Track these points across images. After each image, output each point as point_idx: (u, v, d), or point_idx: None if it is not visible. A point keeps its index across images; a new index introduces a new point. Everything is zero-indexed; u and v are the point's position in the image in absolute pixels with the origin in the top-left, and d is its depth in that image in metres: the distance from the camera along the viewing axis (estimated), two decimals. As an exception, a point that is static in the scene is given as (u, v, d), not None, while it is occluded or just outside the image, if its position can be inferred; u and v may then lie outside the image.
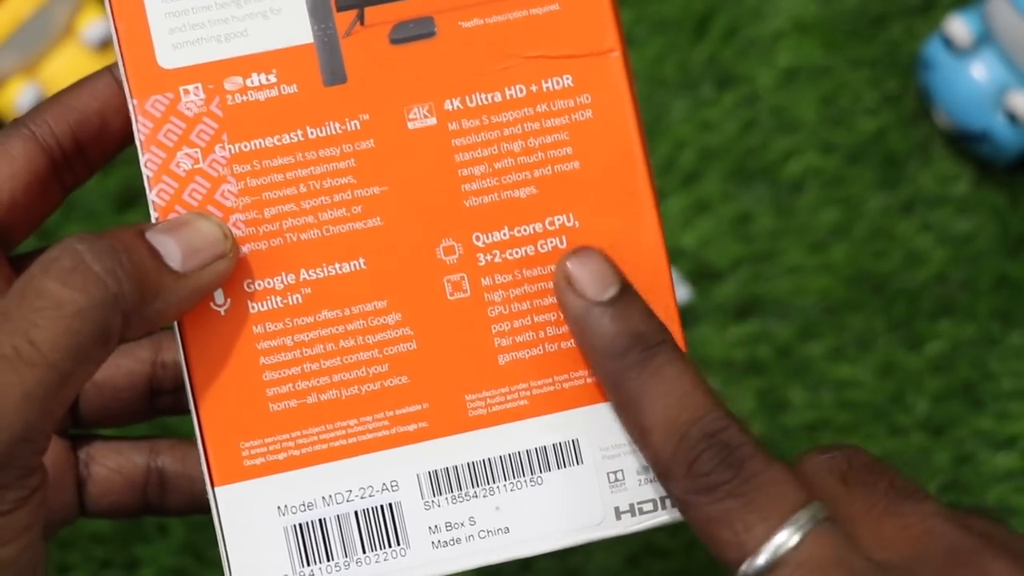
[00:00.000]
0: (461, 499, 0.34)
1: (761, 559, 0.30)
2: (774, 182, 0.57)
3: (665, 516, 0.34)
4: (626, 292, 0.33)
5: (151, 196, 0.34)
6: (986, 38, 0.55)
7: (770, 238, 0.56)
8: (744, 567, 0.30)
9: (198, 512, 0.37)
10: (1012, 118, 0.54)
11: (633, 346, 0.32)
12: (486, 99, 0.34)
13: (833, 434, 0.54)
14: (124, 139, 0.35)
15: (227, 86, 0.34)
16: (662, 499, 0.34)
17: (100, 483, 0.37)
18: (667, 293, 0.35)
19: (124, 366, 0.37)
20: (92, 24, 0.56)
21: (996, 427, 0.54)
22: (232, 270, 0.33)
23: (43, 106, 0.34)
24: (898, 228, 0.56)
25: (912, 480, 0.33)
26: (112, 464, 0.37)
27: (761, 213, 0.56)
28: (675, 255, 0.56)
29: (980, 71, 0.55)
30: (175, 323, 0.33)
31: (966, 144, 0.56)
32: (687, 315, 0.55)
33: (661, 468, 0.32)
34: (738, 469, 0.31)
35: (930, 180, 0.57)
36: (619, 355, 0.32)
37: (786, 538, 0.30)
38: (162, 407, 0.38)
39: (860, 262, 0.56)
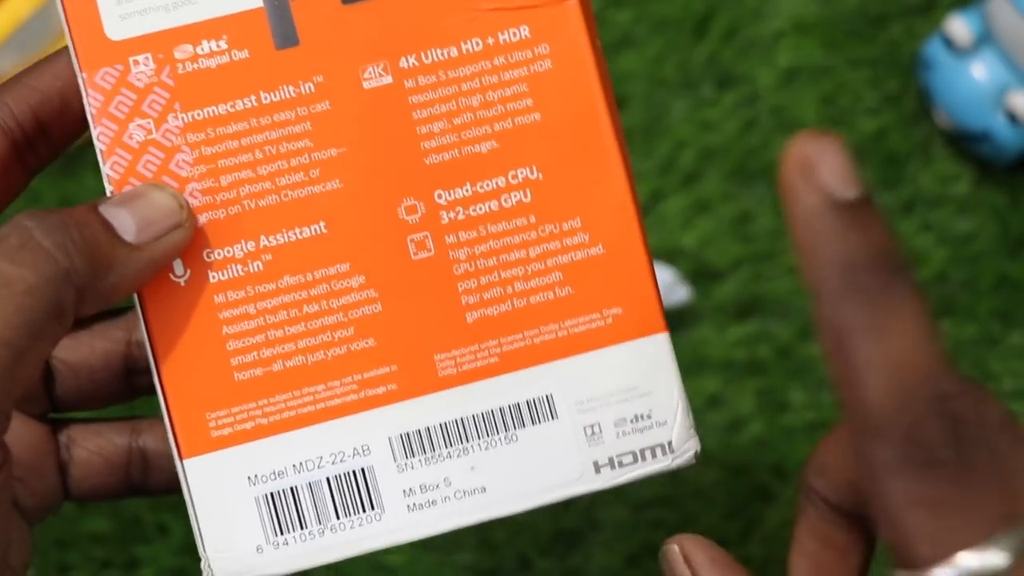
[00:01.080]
0: (435, 460, 0.34)
1: (962, 571, 0.25)
2: (774, 182, 0.57)
3: (646, 468, 0.34)
4: (871, 200, 0.26)
5: (105, 170, 0.33)
6: (986, 38, 0.55)
7: (770, 238, 0.56)
8: (937, 571, 0.25)
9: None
10: (1012, 118, 0.54)
11: (877, 265, 0.26)
12: (442, 55, 0.34)
13: (833, 434, 0.54)
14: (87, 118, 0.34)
15: (177, 55, 0.33)
16: (642, 451, 0.34)
17: (82, 466, 0.36)
18: (639, 251, 0.34)
19: (98, 347, 0.36)
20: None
21: (996, 427, 0.54)
22: (189, 240, 0.33)
23: (3, 87, 0.34)
24: (898, 228, 0.56)
25: None
26: (93, 446, 0.36)
27: (761, 213, 0.56)
28: (675, 255, 0.56)
29: (980, 71, 0.55)
30: (135, 297, 0.33)
31: (966, 144, 0.56)
32: (687, 315, 0.55)
33: (872, 420, 0.26)
34: (966, 453, 0.26)
35: (930, 180, 0.57)
36: (856, 271, 0.26)
37: (995, 554, 0.25)
38: (140, 386, 0.37)
39: (860, 262, 0.56)
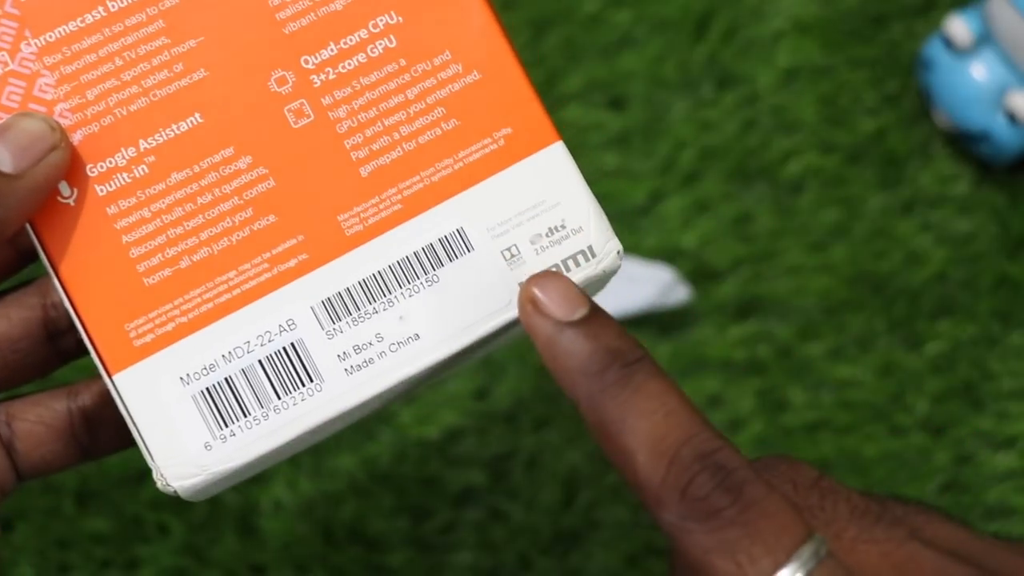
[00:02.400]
0: (362, 319, 0.33)
1: None
2: (774, 182, 0.57)
3: (573, 278, 0.34)
4: (597, 311, 0.31)
5: None
6: (986, 38, 0.55)
7: (770, 238, 0.56)
8: None
9: (133, 444, 0.36)
10: (1012, 118, 0.54)
11: (611, 363, 0.31)
12: None
13: (833, 434, 0.54)
14: None
15: None
16: (564, 262, 0.34)
17: (26, 439, 0.36)
18: (513, 69, 0.34)
19: (14, 315, 0.36)
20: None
21: (996, 427, 0.54)
22: (68, 160, 0.33)
23: None
24: (898, 228, 0.56)
25: (865, 495, 0.31)
26: (33, 416, 0.36)
27: (761, 213, 0.56)
28: (675, 255, 0.56)
29: (980, 71, 0.55)
30: (28, 227, 0.33)
31: (966, 144, 0.56)
32: (687, 315, 0.55)
33: (651, 493, 0.30)
34: (738, 494, 0.29)
35: (930, 180, 0.57)
36: (597, 374, 0.31)
37: (790, 574, 0.28)
38: (66, 348, 0.37)
39: (860, 262, 0.56)
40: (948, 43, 0.55)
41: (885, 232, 0.56)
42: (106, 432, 0.37)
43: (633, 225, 0.56)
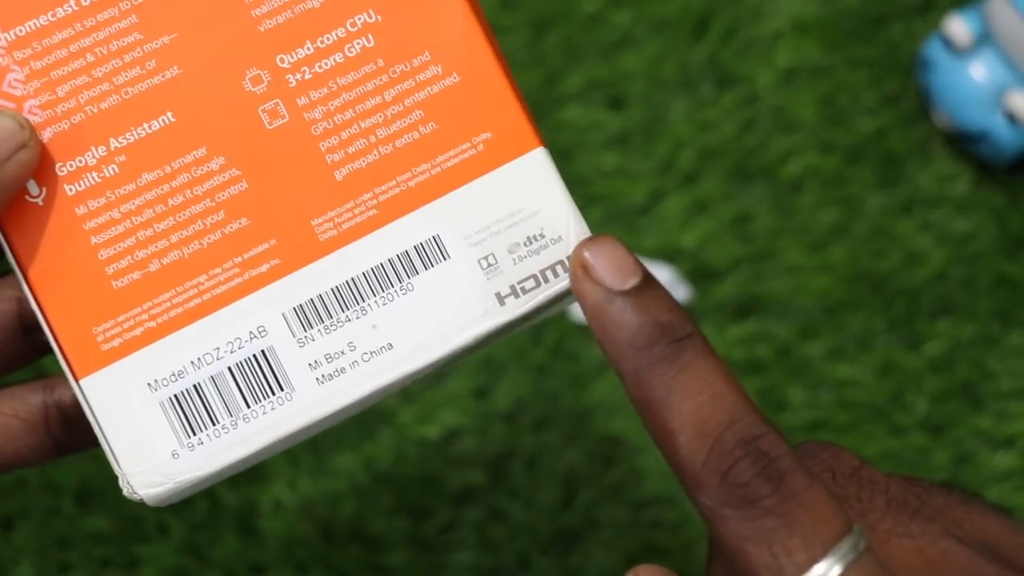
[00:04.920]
0: (334, 327, 0.33)
1: None
2: (774, 182, 0.57)
3: (551, 290, 0.33)
4: (649, 281, 0.30)
5: None
6: (985, 38, 0.55)
7: (770, 238, 0.56)
8: None
9: None
10: (1011, 118, 0.54)
11: (660, 338, 0.30)
12: None
13: (833, 434, 0.54)
14: None
15: None
16: (543, 272, 0.33)
17: (0, 432, 0.36)
18: (494, 72, 0.33)
19: None
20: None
21: (995, 427, 0.54)
22: (37, 158, 0.32)
23: None
24: (897, 228, 0.56)
25: (905, 487, 0.31)
26: (7, 410, 0.36)
27: (761, 213, 0.56)
28: (675, 255, 0.56)
29: (979, 71, 0.55)
30: None
31: (965, 144, 0.56)
32: (687, 315, 0.55)
33: (690, 475, 0.29)
34: (779, 483, 0.28)
35: (929, 180, 0.57)
36: (644, 348, 0.30)
37: (827, 568, 0.28)
38: (42, 343, 0.36)
39: (860, 262, 0.56)
40: (947, 43, 0.55)
41: (884, 232, 0.56)
42: (82, 428, 0.36)
43: (633, 225, 0.56)
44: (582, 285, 0.31)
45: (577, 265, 0.31)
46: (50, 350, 0.36)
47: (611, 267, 0.30)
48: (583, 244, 0.31)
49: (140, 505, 0.52)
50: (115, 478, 0.32)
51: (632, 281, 0.30)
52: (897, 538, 0.29)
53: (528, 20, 0.58)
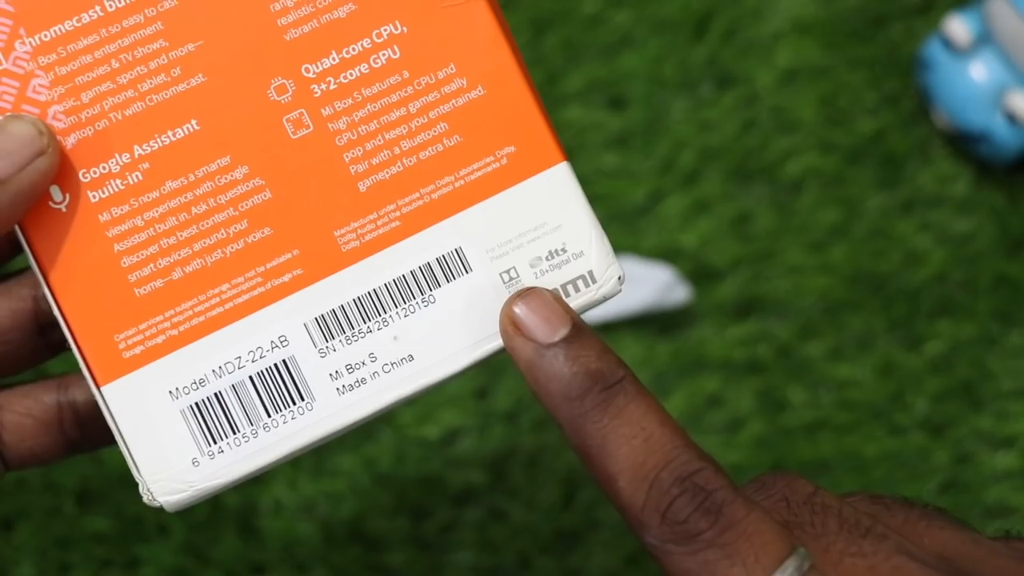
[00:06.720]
0: (356, 337, 0.33)
1: None
2: (774, 182, 0.57)
3: (572, 304, 0.33)
4: (579, 330, 0.31)
5: None
6: (985, 38, 0.55)
7: (770, 238, 0.56)
8: None
9: None
10: (1011, 118, 0.54)
11: (591, 387, 0.30)
12: None
13: (832, 434, 0.54)
14: None
15: None
16: (564, 287, 0.33)
17: (13, 430, 0.36)
18: (519, 86, 0.33)
19: (5, 306, 0.36)
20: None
21: (995, 427, 0.55)
22: (56, 165, 0.32)
23: None
24: (897, 228, 0.56)
25: (856, 508, 0.31)
26: (21, 408, 0.36)
27: (761, 213, 0.56)
28: (675, 255, 0.56)
29: (979, 71, 0.55)
30: (18, 231, 0.33)
31: (965, 144, 0.56)
32: (687, 315, 0.55)
33: (633, 517, 0.30)
34: (716, 516, 0.29)
35: (929, 180, 0.57)
36: (577, 399, 0.30)
37: None
38: (57, 342, 0.36)
39: (860, 262, 0.56)
40: (947, 43, 0.55)
41: (884, 232, 0.56)
42: (96, 427, 0.36)
43: (633, 225, 0.56)
44: (513, 341, 0.31)
45: (507, 322, 0.31)
46: (64, 349, 0.36)
47: (540, 321, 0.31)
48: (511, 300, 0.31)
49: (140, 505, 0.52)
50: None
51: (562, 332, 0.31)
52: (850, 558, 0.30)
53: (528, 20, 0.58)
